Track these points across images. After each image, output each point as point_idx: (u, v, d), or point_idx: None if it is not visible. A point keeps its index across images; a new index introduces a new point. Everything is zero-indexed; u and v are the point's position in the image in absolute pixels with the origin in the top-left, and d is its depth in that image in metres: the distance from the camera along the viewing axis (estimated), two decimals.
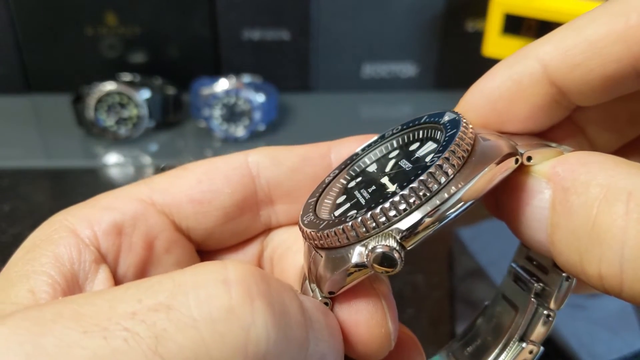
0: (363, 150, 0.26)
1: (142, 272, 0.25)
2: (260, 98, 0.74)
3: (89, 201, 0.26)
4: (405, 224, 0.19)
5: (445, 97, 0.86)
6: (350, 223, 0.20)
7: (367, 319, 0.22)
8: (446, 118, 0.23)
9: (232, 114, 0.74)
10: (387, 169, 0.24)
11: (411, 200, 0.19)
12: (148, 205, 0.26)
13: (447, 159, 0.20)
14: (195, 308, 0.16)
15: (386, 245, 0.19)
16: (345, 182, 0.25)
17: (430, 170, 0.19)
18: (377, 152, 0.25)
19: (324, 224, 0.21)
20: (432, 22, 0.83)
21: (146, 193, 0.26)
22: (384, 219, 0.19)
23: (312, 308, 0.20)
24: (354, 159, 0.25)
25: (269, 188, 0.27)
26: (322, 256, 0.21)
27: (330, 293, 0.21)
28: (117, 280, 0.25)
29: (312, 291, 0.22)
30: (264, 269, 0.29)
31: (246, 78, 0.78)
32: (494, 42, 0.73)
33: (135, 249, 0.25)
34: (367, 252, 0.20)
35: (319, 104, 0.86)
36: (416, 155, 0.23)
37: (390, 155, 0.25)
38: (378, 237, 0.19)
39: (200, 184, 0.27)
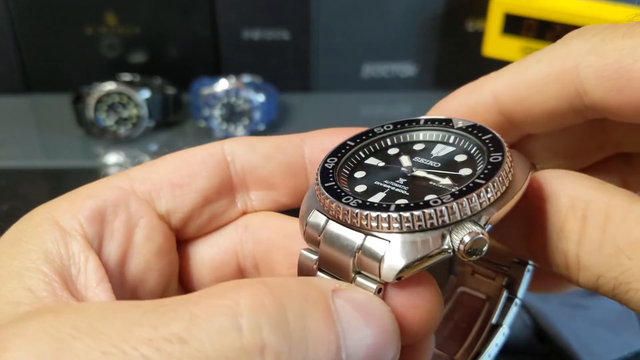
0: (355, 142, 0.26)
1: (123, 260, 0.25)
2: (260, 98, 0.74)
3: (68, 194, 0.26)
4: (489, 212, 0.22)
5: (445, 97, 0.86)
6: (442, 208, 0.21)
7: (427, 300, 0.22)
8: (460, 124, 0.26)
9: (232, 114, 0.74)
10: (407, 164, 0.25)
11: (496, 192, 0.22)
12: (129, 193, 0.26)
13: (509, 164, 0.23)
14: (208, 344, 0.17)
15: (474, 232, 0.21)
16: (347, 171, 0.26)
17: (504, 170, 0.22)
18: (371, 148, 0.27)
19: (394, 206, 0.22)
20: (432, 22, 0.83)
21: (126, 182, 0.26)
22: (476, 206, 0.21)
23: (343, 307, 0.20)
24: (347, 149, 0.26)
25: (244, 173, 0.28)
26: (389, 241, 0.21)
27: (398, 278, 0.21)
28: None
29: (352, 281, 0.22)
30: (243, 259, 0.29)
31: (246, 78, 0.78)
32: (494, 42, 0.73)
33: (117, 236, 0.25)
34: (460, 237, 0.21)
35: (319, 104, 0.86)
36: (434, 155, 0.26)
37: (390, 152, 0.26)
38: (469, 223, 0.21)
39: (178, 170, 0.27)
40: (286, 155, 0.28)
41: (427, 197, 0.22)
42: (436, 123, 0.27)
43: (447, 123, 0.26)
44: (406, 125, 0.27)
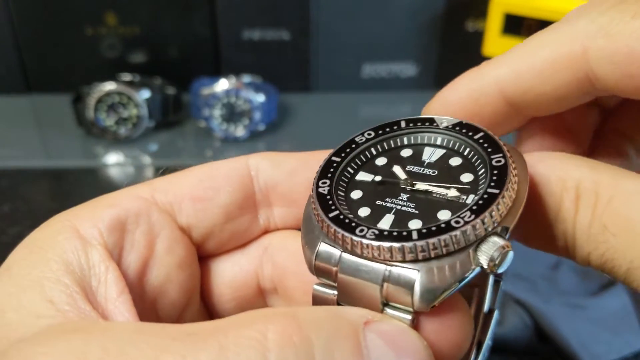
0: (341, 157, 0.25)
1: (143, 271, 0.25)
2: (260, 98, 0.74)
3: (88, 202, 0.25)
4: (509, 222, 0.21)
5: None
6: (466, 228, 0.20)
7: (461, 324, 0.22)
8: (445, 123, 0.25)
9: (232, 114, 0.74)
10: (403, 177, 0.24)
11: (510, 198, 0.21)
12: (150, 203, 0.26)
13: (513, 165, 0.22)
14: None
15: (501, 246, 0.20)
16: (342, 192, 0.24)
17: (511, 174, 0.22)
18: (357, 161, 0.25)
19: (416, 233, 0.21)
20: (432, 22, 0.83)
21: (148, 192, 0.26)
22: (497, 218, 0.21)
23: (374, 341, 0.20)
24: (335, 167, 0.25)
25: (267, 189, 0.27)
26: (418, 270, 0.20)
27: (432, 306, 0.20)
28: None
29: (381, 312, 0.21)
30: (263, 281, 0.28)
31: (246, 78, 0.78)
32: (494, 42, 0.73)
33: (138, 247, 0.25)
34: (489, 253, 0.20)
35: (319, 104, 0.86)
36: (426, 161, 0.25)
37: (379, 163, 0.25)
38: (495, 239, 0.20)
39: (201, 183, 0.27)
40: (311, 171, 0.27)
41: (440, 215, 0.22)
42: (419, 124, 0.25)
43: (430, 123, 0.25)
44: (387, 130, 0.26)
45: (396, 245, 0.20)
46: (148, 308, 0.25)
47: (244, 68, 0.83)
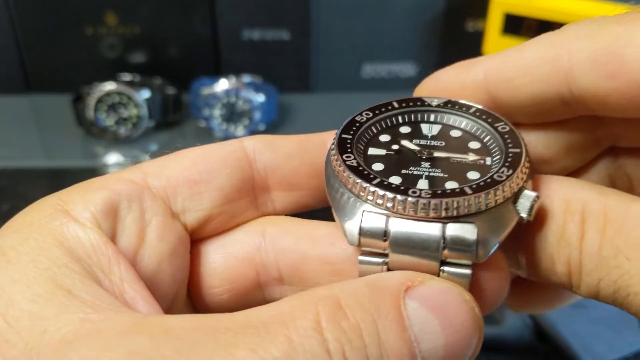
0: (350, 135, 0.26)
1: (134, 260, 0.23)
2: (260, 98, 0.74)
3: (77, 186, 0.24)
4: (531, 176, 0.23)
5: None
6: (510, 182, 0.22)
7: (507, 271, 0.23)
8: (436, 102, 0.27)
9: (232, 114, 0.74)
10: (416, 148, 0.25)
11: (529, 157, 0.24)
12: (143, 188, 0.24)
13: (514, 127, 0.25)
14: None
15: (535, 197, 0.22)
16: (363, 165, 0.24)
17: (519, 133, 0.24)
18: (363, 138, 0.26)
19: (469, 188, 0.22)
20: (432, 22, 0.83)
21: (140, 176, 0.24)
22: (527, 172, 0.23)
23: (416, 310, 0.20)
24: (349, 142, 0.25)
25: (266, 173, 0.27)
26: (472, 222, 0.21)
27: (487, 257, 0.22)
28: None
29: (439, 274, 0.22)
30: (264, 271, 0.27)
31: (246, 78, 0.78)
32: (494, 42, 0.73)
33: (129, 234, 0.23)
34: (528, 204, 0.22)
35: (319, 104, 0.86)
36: (429, 135, 0.26)
37: (382, 139, 0.26)
38: (527, 191, 0.22)
39: (196, 165, 0.25)
40: (309, 154, 0.27)
41: (469, 175, 0.23)
42: (411, 104, 0.27)
43: (421, 103, 0.27)
44: (383, 110, 0.27)
45: (457, 199, 0.21)
46: None
47: (244, 68, 0.83)
